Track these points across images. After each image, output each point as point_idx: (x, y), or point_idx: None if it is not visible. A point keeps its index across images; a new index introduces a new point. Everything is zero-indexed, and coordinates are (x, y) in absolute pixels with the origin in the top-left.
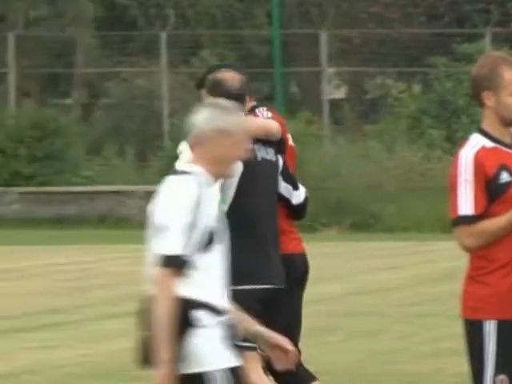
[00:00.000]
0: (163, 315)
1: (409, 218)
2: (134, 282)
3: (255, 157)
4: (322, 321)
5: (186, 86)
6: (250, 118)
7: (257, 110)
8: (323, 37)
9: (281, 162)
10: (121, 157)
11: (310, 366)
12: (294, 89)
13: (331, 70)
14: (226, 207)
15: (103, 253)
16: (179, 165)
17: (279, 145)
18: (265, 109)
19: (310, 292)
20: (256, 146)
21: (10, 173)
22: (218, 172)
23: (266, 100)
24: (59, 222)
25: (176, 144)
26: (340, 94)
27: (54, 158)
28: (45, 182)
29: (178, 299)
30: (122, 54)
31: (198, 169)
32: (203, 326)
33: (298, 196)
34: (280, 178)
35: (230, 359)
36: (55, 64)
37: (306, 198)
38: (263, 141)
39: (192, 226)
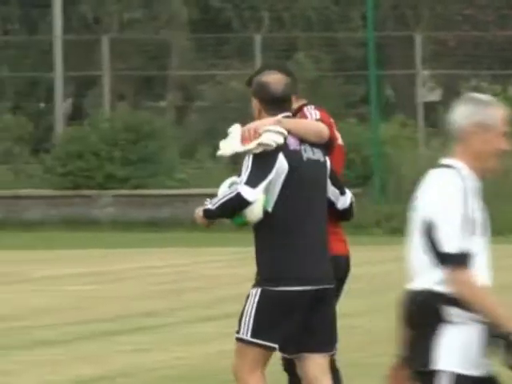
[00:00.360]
0: (490, 309)
1: (503, 222)
2: (228, 284)
3: (301, 158)
4: None
5: None
6: (304, 121)
7: (305, 109)
8: (418, 39)
9: (329, 164)
10: (214, 160)
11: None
12: (389, 91)
13: (426, 72)
14: (270, 208)
15: (197, 255)
16: (222, 145)
17: (327, 145)
18: (313, 107)
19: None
20: (302, 147)
21: (104, 176)
22: (481, 166)
23: (361, 102)
24: (153, 224)
25: None
26: (434, 96)
27: (148, 161)
28: (139, 185)
29: (432, 292)
30: (216, 56)
31: (460, 164)
32: (454, 323)
33: (343, 200)
34: (328, 181)
35: (476, 366)
36: (149, 66)
37: (352, 204)
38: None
39: (464, 219)
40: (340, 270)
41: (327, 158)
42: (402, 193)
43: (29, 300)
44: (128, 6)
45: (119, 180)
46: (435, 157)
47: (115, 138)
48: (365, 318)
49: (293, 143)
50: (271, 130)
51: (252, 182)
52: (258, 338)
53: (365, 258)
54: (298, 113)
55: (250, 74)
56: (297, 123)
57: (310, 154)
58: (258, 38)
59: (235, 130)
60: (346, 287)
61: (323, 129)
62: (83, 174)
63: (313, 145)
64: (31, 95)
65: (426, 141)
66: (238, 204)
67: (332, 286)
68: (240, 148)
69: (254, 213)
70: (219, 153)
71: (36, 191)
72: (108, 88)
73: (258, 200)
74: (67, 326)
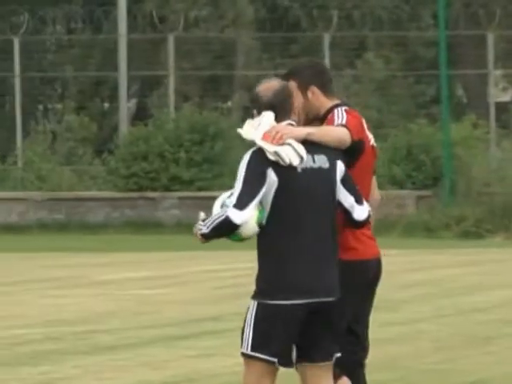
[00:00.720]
0: None
1: None
2: None
3: (294, 169)
4: (487, 329)
5: (351, 89)
6: (328, 130)
7: (335, 111)
8: (490, 38)
9: (341, 168)
10: None
11: (473, 375)
12: (460, 91)
13: (498, 72)
14: (264, 221)
15: None
16: (246, 127)
17: (354, 148)
18: (344, 109)
19: (476, 300)
20: None
21: (169, 178)
22: None
23: (431, 103)
24: None
25: None
26: (507, 96)
27: (213, 163)
28: (204, 187)
29: None
30: (283, 55)
31: None
32: None
33: (361, 211)
34: (341, 186)
35: None
36: (215, 66)
37: (369, 216)
38: (311, 147)
39: None
40: (370, 273)
41: (338, 163)
42: (473, 195)
43: (92, 304)
44: (194, 4)
45: (184, 182)
46: (507, 158)
47: (180, 139)
48: (431, 324)
49: None
50: (294, 147)
51: (241, 203)
52: (257, 352)
53: (433, 262)
54: (330, 113)
55: None
56: (322, 135)
57: (309, 162)
58: (326, 37)
59: (267, 119)
60: (415, 292)
61: (345, 135)
62: (147, 176)
63: (313, 151)
64: (95, 95)
65: (497, 142)
66: (227, 227)
67: (332, 299)
68: (258, 141)
69: (249, 229)
70: (239, 130)
71: (99, 193)
72: (173, 88)
73: (251, 216)
74: (130, 330)
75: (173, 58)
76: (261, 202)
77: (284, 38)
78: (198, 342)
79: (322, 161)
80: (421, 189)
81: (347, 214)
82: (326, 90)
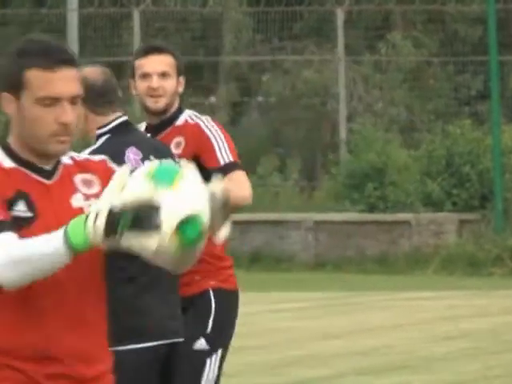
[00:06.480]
0: None
1: None
2: (295, 341)
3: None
4: None
5: (370, 79)
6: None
7: (198, 120)
8: None
9: None
10: (282, 174)
11: None
12: None
13: None
14: None
15: (262, 303)
16: None
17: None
18: (208, 119)
19: None
20: (131, 156)
21: None
22: None
23: (478, 98)
24: None
25: (356, 156)
26: None
27: None
28: None
29: None
30: (283, 36)
31: None
32: None
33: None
34: None
35: None
36: (195, 50)
37: None
38: (161, 151)
39: None
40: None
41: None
42: None
43: None
44: None
45: None
46: None
47: None
48: None
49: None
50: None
51: None
52: None
53: (481, 308)
54: (179, 117)
55: (329, 59)
56: None
57: None
58: (339, 13)
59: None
60: (456, 346)
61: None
62: None
63: (164, 154)
64: None
65: None
66: None
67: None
68: None
69: None
70: None
71: None
72: None
73: None
74: None
75: (139, 39)
76: None
77: (284, 14)
78: None
79: None
80: (464, 211)
81: None
82: None
